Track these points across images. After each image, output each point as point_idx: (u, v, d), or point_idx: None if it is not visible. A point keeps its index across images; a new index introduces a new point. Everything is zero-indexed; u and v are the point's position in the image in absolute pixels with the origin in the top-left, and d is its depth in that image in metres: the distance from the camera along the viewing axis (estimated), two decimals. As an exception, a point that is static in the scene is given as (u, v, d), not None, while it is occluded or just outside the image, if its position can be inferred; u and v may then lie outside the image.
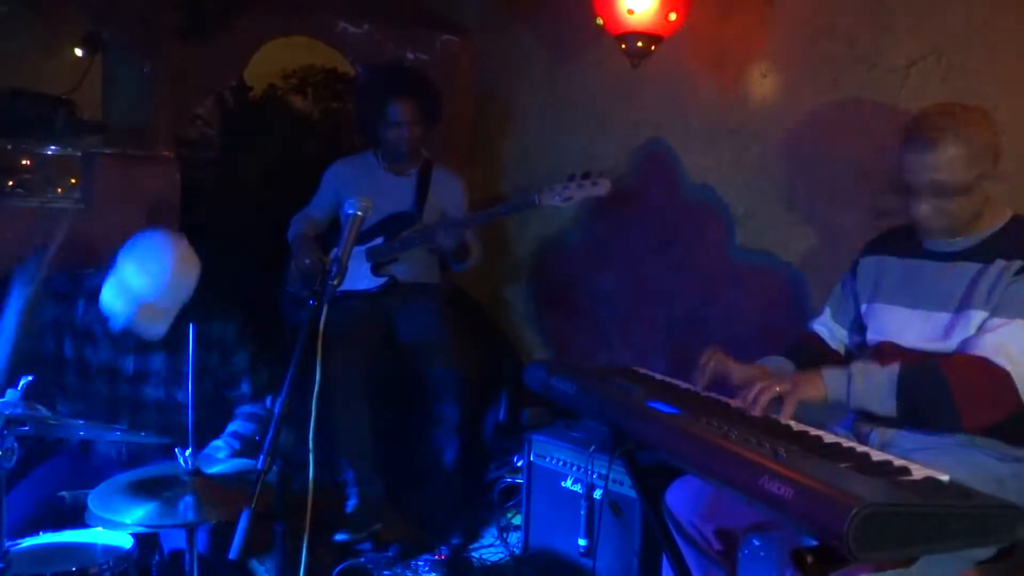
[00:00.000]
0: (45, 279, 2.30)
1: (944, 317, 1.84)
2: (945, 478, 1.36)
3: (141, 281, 2.13)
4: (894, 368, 1.74)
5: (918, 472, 1.40)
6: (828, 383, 1.75)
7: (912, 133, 1.82)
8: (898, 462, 1.44)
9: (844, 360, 2.12)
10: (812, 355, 2.11)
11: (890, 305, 1.96)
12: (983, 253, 1.84)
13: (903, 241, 1.99)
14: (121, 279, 2.14)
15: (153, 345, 2.27)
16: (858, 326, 2.08)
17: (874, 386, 1.73)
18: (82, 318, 2.27)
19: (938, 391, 1.69)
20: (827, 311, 2.17)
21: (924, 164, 1.79)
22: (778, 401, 1.73)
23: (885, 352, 1.90)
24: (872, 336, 1.99)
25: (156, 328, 2.20)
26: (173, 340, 2.24)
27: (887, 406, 1.72)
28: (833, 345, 2.15)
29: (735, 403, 1.79)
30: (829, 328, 2.16)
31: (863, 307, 2.04)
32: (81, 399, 2.27)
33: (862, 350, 2.03)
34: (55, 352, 2.27)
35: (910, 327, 1.90)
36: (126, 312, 2.15)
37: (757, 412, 1.71)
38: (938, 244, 1.91)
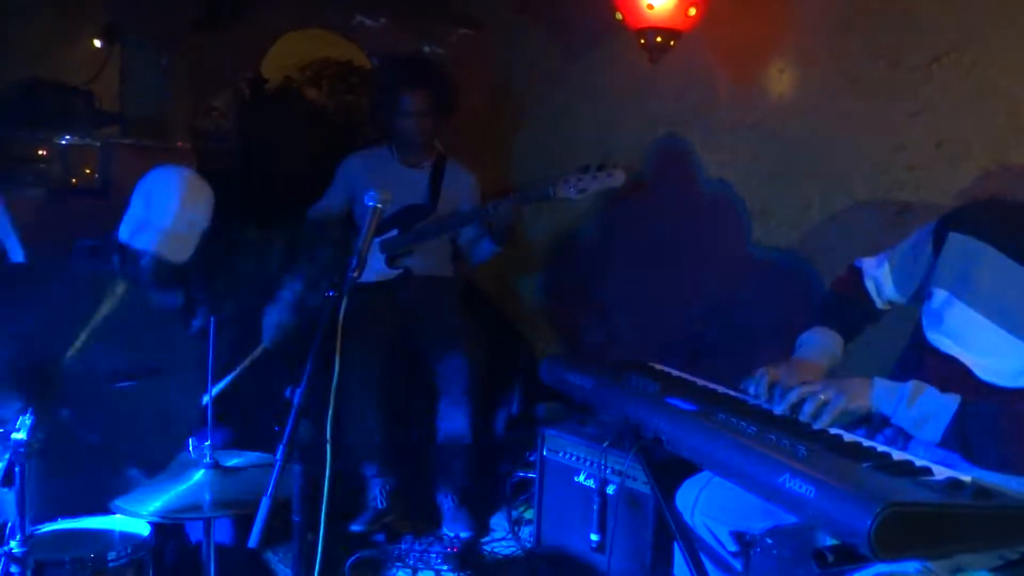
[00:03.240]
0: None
1: None
2: (967, 478, 1.35)
3: (151, 211, 2.21)
4: (952, 402, 1.58)
5: (940, 472, 1.39)
6: (876, 399, 1.64)
7: None
8: (920, 462, 1.43)
9: (874, 319, 1.96)
10: (856, 316, 1.94)
11: (977, 313, 1.66)
12: None
13: (1016, 234, 1.64)
14: (135, 214, 2.22)
15: (192, 273, 2.33)
16: (913, 294, 1.86)
17: (928, 413, 1.60)
18: (120, 270, 2.30)
19: (991, 437, 1.55)
20: (886, 267, 1.91)
21: None
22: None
23: (957, 376, 1.67)
24: (941, 339, 1.73)
25: (180, 255, 2.25)
26: (208, 264, 2.33)
27: (932, 435, 1.59)
28: (879, 304, 1.95)
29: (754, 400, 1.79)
30: (880, 285, 1.93)
31: (940, 292, 1.74)
32: None
33: (923, 350, 1.77)
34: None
35: (995, 352, 1.63)
36: (146, 244, 2.20)
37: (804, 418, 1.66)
38: None
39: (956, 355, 1.70)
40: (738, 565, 1.96)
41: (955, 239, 1.73)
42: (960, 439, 1.58)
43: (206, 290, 2.38)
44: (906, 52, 2.64)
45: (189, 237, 2.26)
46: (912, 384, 1.65)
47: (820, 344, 1.93)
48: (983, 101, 2.44)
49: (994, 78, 2.43)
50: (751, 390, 1.82)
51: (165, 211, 2.22)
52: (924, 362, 1.77)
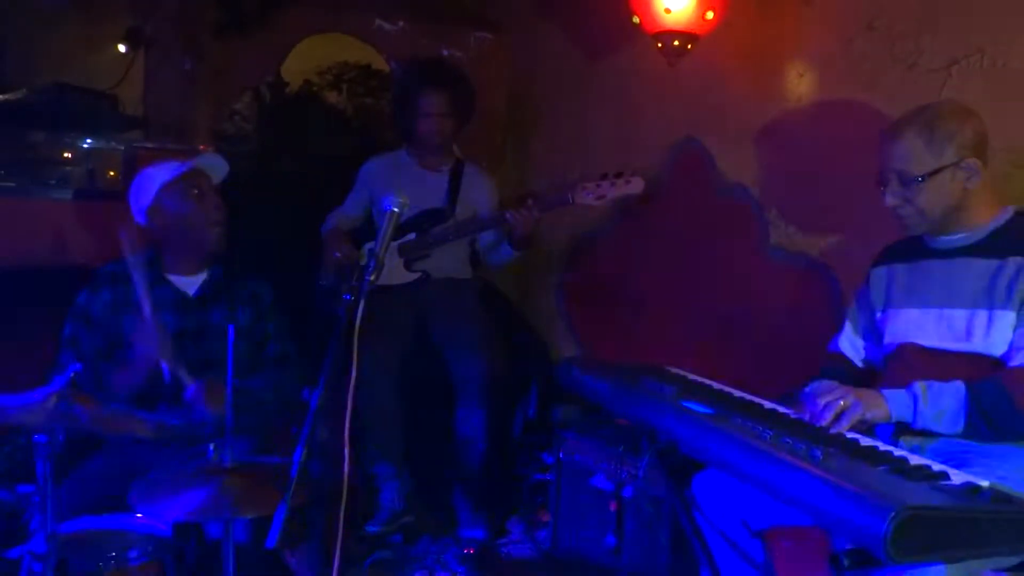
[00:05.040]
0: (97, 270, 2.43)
1: (958, 314, 1.85)
2: (985, 483, 1.35)
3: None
4: (959, 387, 1.72)
5: (957, 477, 1.39)
6: (892, 405, 1.75)
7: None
8: (937, 466, 1.43)
9: (870, 379, 2.12)
10: (842, 378, 2.10)
11: (903, 309, 1.99)
12: (991, 249, 1.86)
13: (909, 247, 2.03)
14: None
15: (211, 301, 2.38)
16: (874, 335, 2.09)
17: (942, 406, 1.72)
18: (139, 290, 2.32)
19: (1004, 406, 1.69)
20: (847, 326, 2.19)
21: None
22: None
23: (907, 354, 1.93)
24: (889, 340, 2.01)
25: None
26: (229, 294, 2.39)
27: (954, 425, 1.72)
28: (858, 363, 2.17)
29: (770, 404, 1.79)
30: (852, 342, 2.18)
31: (878, 315, 2.06)
32: (146, 369, 2.30)
33: (883, 359, 2.04)
34: (115, 332, 2.33)
35: (925, 327, 1.91)
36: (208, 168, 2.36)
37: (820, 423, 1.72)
38: (940, 241, 1.94)
39: (902, 340, 1.97)
40: (751, 565, 1.95)
41: (875, 272, 2.11)
42: (982, 418, 1.68)
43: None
44: (925, 54, 2.62)
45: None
46: (917, 385, 1.75)
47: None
48: (1003, 104, 2.42)
49: (1015, 80, 2.40)
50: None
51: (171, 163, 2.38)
52: (885, 362, 2.02)
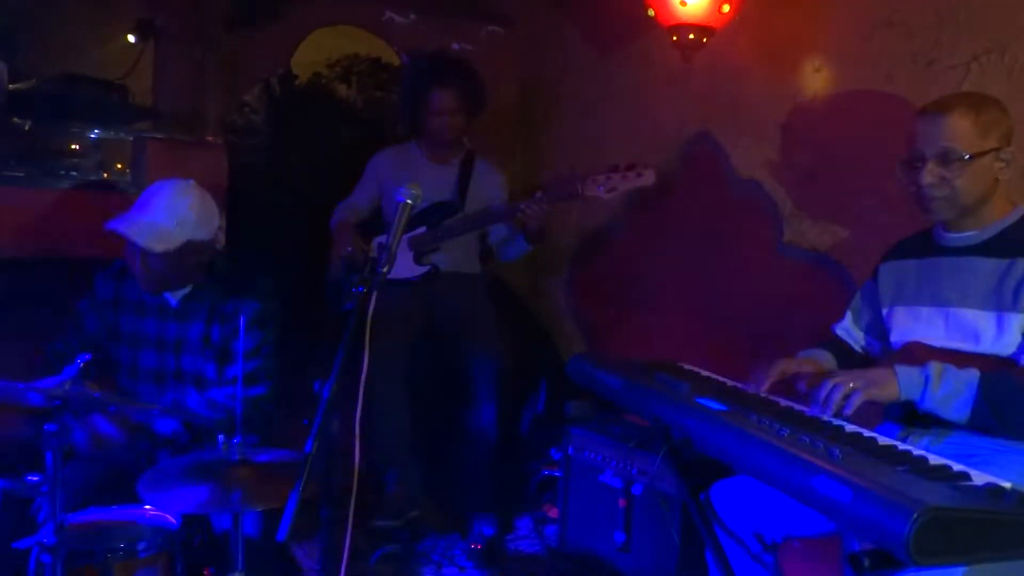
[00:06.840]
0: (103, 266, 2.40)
1: (966, 314, 1.85)
2: (1008, 485, 1.32)
3: (145, 207, 2.20)
4: (972, 373, 1.70)
5: (979, 478, 1.36)
6: (903, 383, 1.71)
7: (926, 107, 1.89)
8: (957, 467, 1.41)
9: (868, 363, 2.13)
10: (842, 355, 2.14)
11: (911, 307, 1.98)
12: (999, 248, 1.84)
13: (920, 243, 2.03)
14: (129, 214, 2.21)
15: (192, 314, 2.31)
16: (879, 331, 2.08)
17: (952, 390, 1.69)
18: (136, 292, 2.34)
19: (1016, 399, 1.67)
20: (848, 316, 2.20)
21: (934, 130, 1.84)
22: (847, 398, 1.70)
23: (914, 352, 1.91)
24: (897, 338, 2.00)
25: (159, 246, 2.17)
26: (210, 310, 2.29)
27: (961, 412, 1.69)
28: (857, 350, 2.18)
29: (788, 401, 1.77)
30: (850, 332, 2.19)
31: (884, 311, 2.05)
32: (132, 374, 2.33)
33: (887, 354, 2.05)
34: (113, 327, 2.35)
35: (933, 326, 1.91)
36: (125, 228, 2.17)
37: (832, 412, 1.68)
38: (950, 238, 1.93)
39: (909, 339, 1.96)
40: (763, 567, 1.93)
41: (884, 268, 2.10)
42: (990, 409, 1.67)
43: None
44: (944, 51, 2.59)
45: (171, 232, 2.18)
46: (932, 365, 1.72)
47: (818, 356, 2.12)
48: (1024, 101, 2.39)
49: (1036, 77, 2.38)
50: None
51: (153, 204, 2.20)
52: (888, 359, 2.00)
